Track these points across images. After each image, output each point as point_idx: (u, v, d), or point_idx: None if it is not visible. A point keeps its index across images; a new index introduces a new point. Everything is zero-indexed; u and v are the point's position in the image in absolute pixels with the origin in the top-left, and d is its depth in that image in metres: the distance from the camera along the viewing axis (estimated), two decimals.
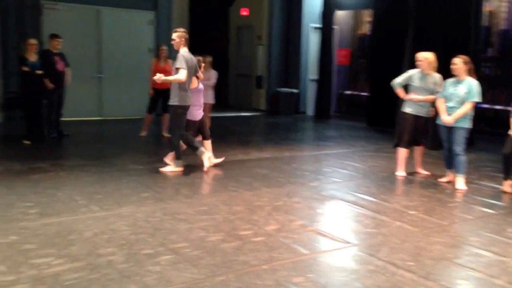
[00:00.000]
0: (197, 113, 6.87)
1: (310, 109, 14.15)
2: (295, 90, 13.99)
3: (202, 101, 6.99)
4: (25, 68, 7.99)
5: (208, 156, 6.72)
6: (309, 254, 3.99)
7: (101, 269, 3.50)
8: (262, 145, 9.15)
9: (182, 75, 6.26)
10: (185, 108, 6.56)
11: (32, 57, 8.12)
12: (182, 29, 6.60)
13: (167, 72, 9.22)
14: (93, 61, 11.42)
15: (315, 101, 13.85)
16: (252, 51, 14.50)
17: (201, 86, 6.94)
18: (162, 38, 12.10)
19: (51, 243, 3.94)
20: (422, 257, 3.97)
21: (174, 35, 6.50)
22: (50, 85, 8.36)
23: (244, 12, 14.52)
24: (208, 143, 7.15)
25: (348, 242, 4.29)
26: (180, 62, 6.29)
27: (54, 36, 8.63)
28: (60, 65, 8.61)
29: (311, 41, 14.07)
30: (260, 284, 3.37)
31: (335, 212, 5.26)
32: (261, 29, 14.09)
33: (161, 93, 9.26)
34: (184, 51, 6.43)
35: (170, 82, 6.55)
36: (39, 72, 8.11)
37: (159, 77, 6.26)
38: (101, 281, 3.31)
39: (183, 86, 6.41)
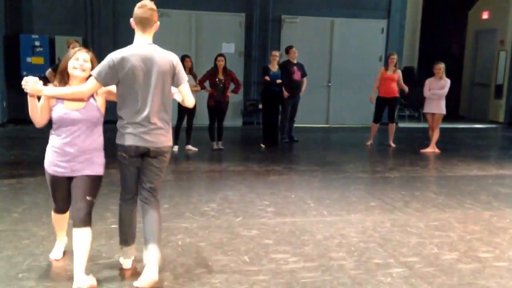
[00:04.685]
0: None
1: None
2: None
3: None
4: (267, 78, 8.72)
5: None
6: None
7: (333, 272, 3.58)
8: (501, 161, 8.28)
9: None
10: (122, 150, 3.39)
11: (274, 68, 8.82)
12: None
13: (394, 81, 9.07)
14: (324, 70, 11.87)
15: None
16: (493, 58, 13.24)
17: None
18: (393, 46, 11.93)
19: (286, 241, 4.19)
20: None
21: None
22: (285, 94, 8.95)
23: (485, 15, 13.36)
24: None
25: None
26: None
27: (292, 48, 9.24)
28: (297, 75, 9.16)
29: None
30: None
31: None
32: (505, 32, 12.77)
33: (387, 101, 9.11)
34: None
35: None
36: (279, 81, 8.76)
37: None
38: (333, 284, 3.39)
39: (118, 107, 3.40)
